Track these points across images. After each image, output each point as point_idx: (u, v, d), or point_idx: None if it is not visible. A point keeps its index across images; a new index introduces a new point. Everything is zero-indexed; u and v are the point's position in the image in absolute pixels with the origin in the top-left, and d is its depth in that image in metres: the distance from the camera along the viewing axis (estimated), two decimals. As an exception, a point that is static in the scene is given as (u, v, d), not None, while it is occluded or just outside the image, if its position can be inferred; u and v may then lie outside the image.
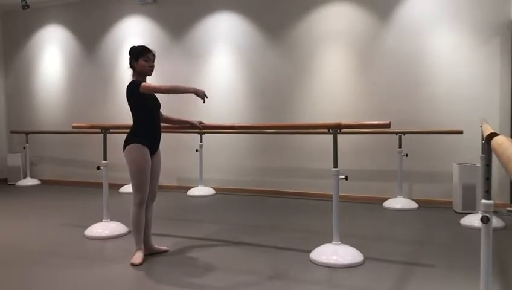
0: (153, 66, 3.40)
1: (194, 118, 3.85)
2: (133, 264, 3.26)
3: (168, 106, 3.70)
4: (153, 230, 3.60)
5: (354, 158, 5.84)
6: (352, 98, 5.92)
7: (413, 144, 5.54)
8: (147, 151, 3.32)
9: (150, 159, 3.34)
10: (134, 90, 3.27)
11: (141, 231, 3.38)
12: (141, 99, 3.31)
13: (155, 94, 3.48)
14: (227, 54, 6.69)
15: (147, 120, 3.37)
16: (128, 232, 4.20)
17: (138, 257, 3.33)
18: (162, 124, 3.64)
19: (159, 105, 3.50)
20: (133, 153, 3.28)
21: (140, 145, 3.29)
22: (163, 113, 3.63)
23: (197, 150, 6.54)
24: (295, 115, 6.24)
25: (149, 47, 3.44)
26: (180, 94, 3.45)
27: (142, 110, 3.35)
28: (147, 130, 3.36)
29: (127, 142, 3.33)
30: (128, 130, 3.41)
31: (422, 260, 3.34)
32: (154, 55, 3.43)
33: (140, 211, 3.35)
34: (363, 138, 5.80)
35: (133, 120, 3.39)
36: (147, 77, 3.45)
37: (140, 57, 3.34)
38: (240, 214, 5.18)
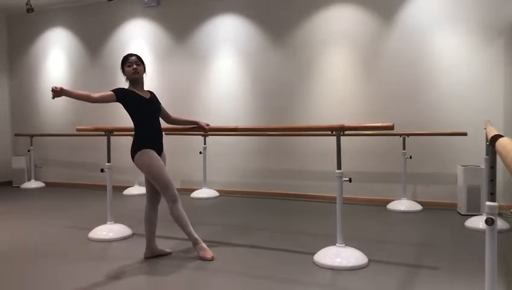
0: (136, 69, 3.41)
1: (198, 120, 3.85)
2: (208, 259, 3.36)
3: (170, 107, 3.70)
4: (157, 232, 3.60)
5: (357, 160, 5.83)
6: (356, 100, 5.92)
7: (417, 145, 5.52)
8: (154, 152, 3.36)
9: (159, 157, 3.39)
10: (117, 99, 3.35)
11: (189, 224, 3.43)
12: (127, 105, 3.37)
13: (151, 97, 3.51)
14: (230, 56, 6.70)
15: (143, 124, 3.39)
16: (133, 234, 4.21)
17: (207, 250, 3.42)
18: (168, 126, 3.68)
19: (154, 109, 3.49)
20: (143, 159, 3.32)
21: (146, 149, 3.33)
22: (170, 114, 3.68)
23: (200, 152, 6.55)
24: (298, 117, 6.24)
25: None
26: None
27: (133, 115, 3.39)
28: (147, 134, 3.39)
29: (133, 151, 3.37)
30: (132, 133, 3.44)
31: (427, 262, 3.32)
32: (137, 58, 3.45)
33: (178, 206, 3.36)
34: (367, 140, 5.79)
35: (134, 126, 3.42)
36: (147, 79, 3.53)
37: (124, 64, 3.45)
38: (244, 216, 5.18)
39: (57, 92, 3.01)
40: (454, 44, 5.41)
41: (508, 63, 5.19)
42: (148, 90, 3.56)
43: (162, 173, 3.32)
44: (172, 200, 3.35)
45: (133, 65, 3.40)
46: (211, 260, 3.37)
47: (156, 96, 3.58)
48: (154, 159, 3.33)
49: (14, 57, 8.47)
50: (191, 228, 3.45)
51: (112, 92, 3.32)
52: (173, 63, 7.07)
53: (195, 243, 3.46)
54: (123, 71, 3.46)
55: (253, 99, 6.57)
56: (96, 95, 3.25)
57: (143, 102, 3.41)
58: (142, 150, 3.33)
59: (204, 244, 3.47)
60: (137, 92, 3.42)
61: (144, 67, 3.50)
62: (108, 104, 3.57)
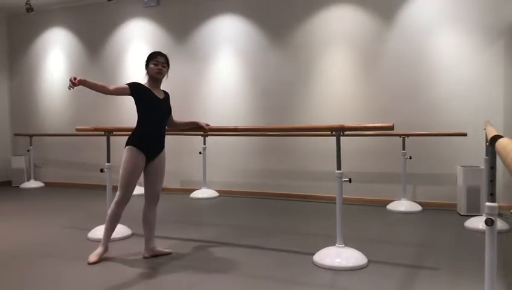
0: (160, 69, 3.40)
1: (197, 120, 3.84)
2: (89, 263, 3.31)
3: (172, 107, 3.69)
4: (156, 232, 3.60)
5: (357, 161, 5.83)
6: (356, 100, 5.92)
7: (417, 146, 5.52)
8: (140, 155, 3.32)
9: (140, 164, 3.35)
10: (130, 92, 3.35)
11: (112, 231, 3.46)
12: (139, 101, 3.36)
13: (165, 98, 3.50)
14: (230, 57, 6.70)
15: (147, 122, 3.38)
16: (132, 234, 4.21)
17: (96, 254, 3.38)
18: (169, 128, 3.65)
19: (163, 111, 3.46)
20: (126, 154, 3.33)
21: (134, 148, 3.32)
22: (173, 118, 3.64)
23: (200, 153, 6.55)
24: (298, 117, 6.23)
25: (152, 50, 3.50)
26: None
27: (141, 112, 3.38)
28: (146, 133, 3.37)
29: (126, 143, 3.37)
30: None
31: (427, 262, 3.32)
32: (165, 59, 3.44)
33: (118, 209, 3.39)
34: (367, 140, 5.79)
35: (137, 121, 3.42)
36: (164, 80, 3.50)
37: (150, 60, 3.42)
38: (243, 216, 5.18)
39: (75, 84, 3.02)
40: (454, 44, 5.41)
41: (508, 64, 5.19)
42: (164, 91, 3.54)
43: (128, 175, 3.31)
44: (115, 201, 3.38)
45: (159, 65, 3.40)
46: (90, 263, 3.31)
47: (169, 99, 3.56)
48: (132, 159, 3.30)
49: (14, 57, 8.46)
50: (110, 236, 3.47)
51: (126, 86, 3.33)
52: (173, 63, 6.92)
53: (101, 245, 3.45)
54: (147, 66, 3.43)
55: (253, 99, 6.56)
56: (112, 87, 3.27)
57: (155, 102, 3.39)
58: (132, 147, 3.32)
59: (100, 249, 3.42)
60: (152, 90, 3.40)
61: (167, 70, 3.50)
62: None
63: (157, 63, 3.40)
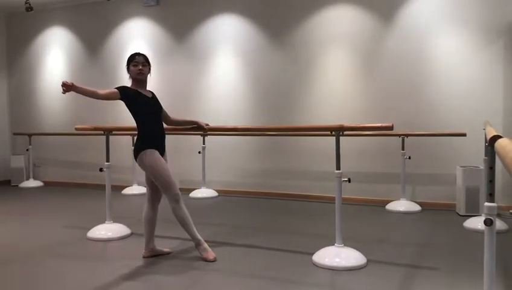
0: (141, 69, 3.40)
1: (197, 120, 3.85)
2: (210, 260, 3.36)
3: (169, 106, 3.70)
4: (156, 232, 3.60)
5: (356, 160, 5.83)
6: (355, 100, 5.92)
7: (416, 146, 5.52)
8: (157, 152, 3.37)
9: (162, 157, 3.39)
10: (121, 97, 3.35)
11: (192, 224, 3.41)
12: (130, 103, 3.37)
13: (153, 97, 3.52)
14: (230, 56, 6.70)
15: (146, 124, 3.40)
16: (131, 234, 4.20)
17: (209, 251, 3.42)
18: (168, 126, 3.67)
19: (156, 109, 3.50)
20: (146, 158, 3.32)
21: (150, 149, 3.34)
22: (170, 116, 3.67)
23: (199, 152, 6.55)
24: (298, 116, 6.23)
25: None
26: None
27: (136, 115, 3.40)
28: (150, 134, 3.39)
29: (136, 151, 3.37)
30: (131, 132, 3.45)
31: (426, 262, 3.32)
32: (144, 58, 3.44)
33: (181, 206, 3.36)
34: (366, 140, 5.79)
35: (136, 126, 3.43)
36: (152, 80, 3.50)
37: (130, 63, 3.43)
38: (242, 216, 5.18)
39: (68, 87, 3.00)
40: (454, 44, 5.41)
41: (507, 64, 5.19)
42: (150, 91, 3.57)
43: (164, 173, 3.32)
44: (174, 200, 3.34)
45: (139, 65, 3.40)
46: (213, 261, 3.36)
47: (156, 97, 3.59)
48: (157, 159, 3.33)
49: (13, 56, 8.46)
50: (194, 229, 3.43)
51: (116, 90, 3.32)
52: (172, 62, 7.06)
53: (197, 243, 3.45)
54: (128, 69, 3.46)
55: (252, 99, 6.56)
56: (102, 92, 3.25)
57: (146, 101, 3.41)
58: (146, 150, 3.33)
59: (206, 245, 3.46)
60: (139, 90, 3.42)
61: (149, 68, 3.50)
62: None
63: (136, 64, 3.40)
